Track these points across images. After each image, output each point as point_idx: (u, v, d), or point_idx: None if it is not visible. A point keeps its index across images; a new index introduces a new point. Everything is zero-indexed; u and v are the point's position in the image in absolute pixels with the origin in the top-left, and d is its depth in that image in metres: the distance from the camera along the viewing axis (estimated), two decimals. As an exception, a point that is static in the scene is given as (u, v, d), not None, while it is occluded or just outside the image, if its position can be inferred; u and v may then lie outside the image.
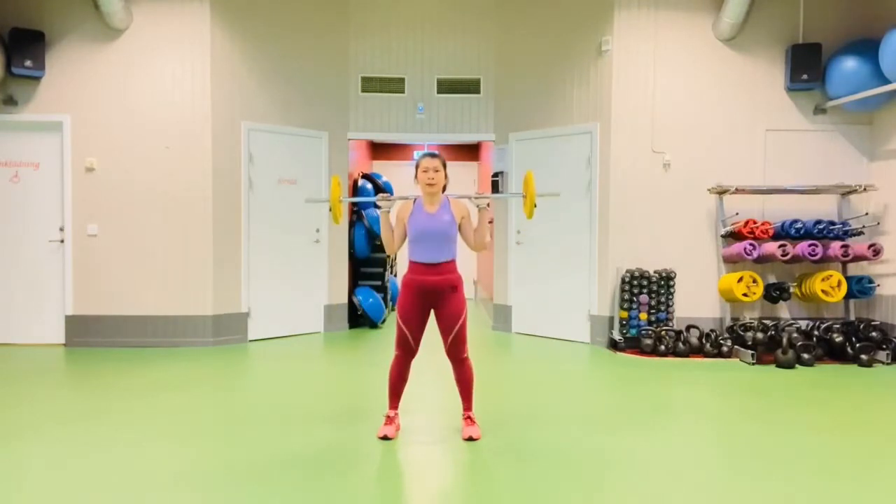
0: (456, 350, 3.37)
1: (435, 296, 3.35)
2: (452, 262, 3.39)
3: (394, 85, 6.96)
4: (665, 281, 5.86)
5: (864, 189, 5.79)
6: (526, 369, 5.31)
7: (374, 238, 7.43)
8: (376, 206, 3.46)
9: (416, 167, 3.40)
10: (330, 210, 3.47)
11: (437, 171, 3.34)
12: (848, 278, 5.67)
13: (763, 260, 5.66)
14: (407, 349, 3.38)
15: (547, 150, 6.58)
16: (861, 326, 5.55)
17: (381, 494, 2.74)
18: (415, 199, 3.44)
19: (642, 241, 6.06)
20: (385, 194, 3.48)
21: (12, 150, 6.00)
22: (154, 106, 5.95)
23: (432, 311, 3.41)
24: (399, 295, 3.43)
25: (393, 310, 8.05)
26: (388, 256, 7.80)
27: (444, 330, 3.36)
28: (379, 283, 7.67)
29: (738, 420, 3.82)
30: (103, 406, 4.02)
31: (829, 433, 3.56)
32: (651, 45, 6.02)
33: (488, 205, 3.47)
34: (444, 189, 3.44)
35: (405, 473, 3.02)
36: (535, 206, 3.43)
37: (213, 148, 6.01)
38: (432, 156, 3.38)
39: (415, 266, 3.36)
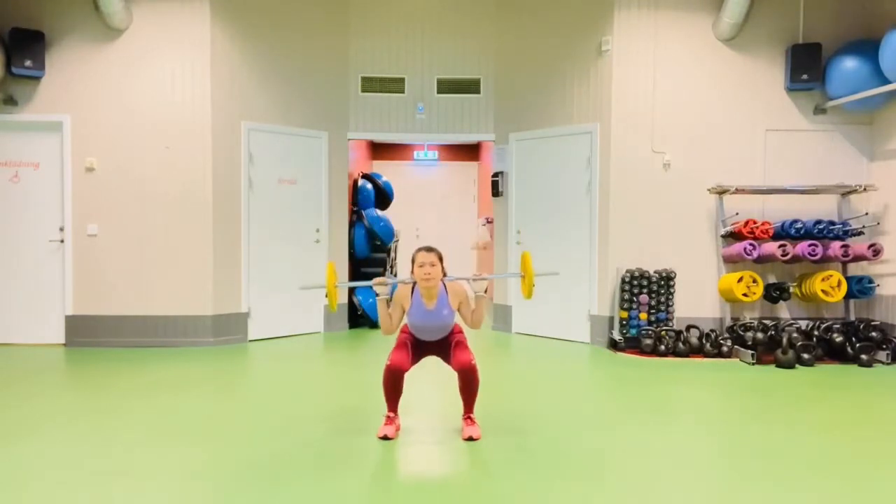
0: (463, 357, 3.36)
1: (436, 348, 3.54)
2: (452, 329, 3.53)
3: (394, 85, 6.96)
4: (665, 281, 5.86)
5: (864, 189, 5.79)
6: (526, 369, 5.31)
7: (373, 238, 7.43)
8: (374, 292, 3.48)
9: (412, 261, 3.38)
10: (326, 297, 3.46)
11: (433, 265, 3.33)
12: (848, 278, 5.67)
13: (763, 260, 5.66)
14: (402, 359, 3.39)
15: (547, 150, 6.58)
16: (861, 326, 5.54)
17: (381, 494, 2.74)
18: (413, 285, 3.43)
19: (642, 241, 6.06)
20: (381, 279, 3.45)
21: (12, 150, 6.00)
22: (154, 106, 5.95)
23: None
24: (401, 332, 3.57)
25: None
26: (389, 256, 7.79)
27: (447, 352, 3.48)
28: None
29: (738, 420, 3.82)
30: (103, 406, 4.02)
31: (829, 433, 3.56)
32: (651, 45, 6.02)
33: (486, 291, 3.49)
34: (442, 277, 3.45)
35: (405, 473, 3.02)
36: (534, 285, 3.42)
37: (213, 148, 6.01)
38: (428, 250, 3.37)
39: (415, 337, 3.52)
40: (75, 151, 5.93)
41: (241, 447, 3.27)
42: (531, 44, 6.67)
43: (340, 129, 6.94)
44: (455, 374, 3.43)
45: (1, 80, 5.72)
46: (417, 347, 3.52)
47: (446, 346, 3.50)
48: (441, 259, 3.40)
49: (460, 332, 3.57)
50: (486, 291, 3.49)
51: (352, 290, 7.29)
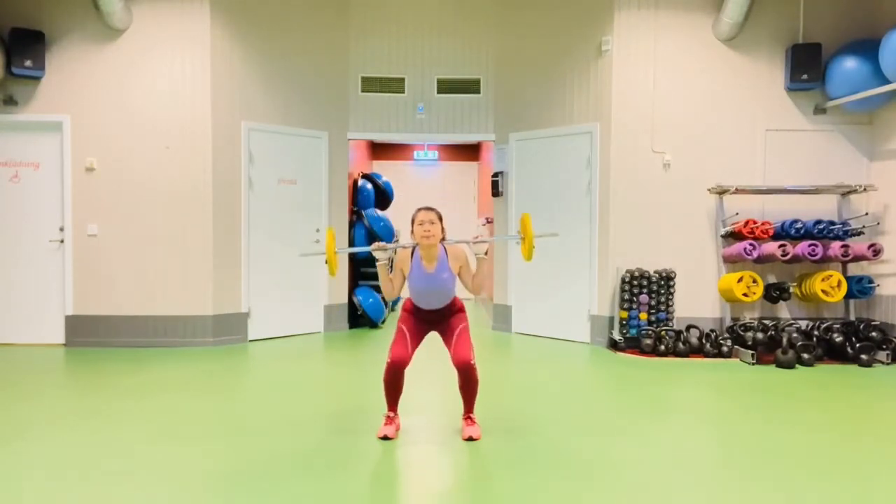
0: (462, 352, 3.32)
1: (437, 322, 3.48)
2: (453, 300, 3.49)
3: (394, 85, 6.96)
4: (665, 281, 5.86)
5: (864, 189, 5.79)
6: (526, 369, 5.31)
7: (373, 238, 7.42)
8: (374, 257, 3.45)
9: (412, 221, 3.38)
10: (326, 263, 3.45)
11: (432, 223, 3.33)
12: (848, 278, 5.67)
13: (763, 260, 5.66)
14: (402, 352, 3.36)
15: (547, 150, 6.58)
16: (861, 326, 5.54)
17: (381, 495, 2.74)
18: (413, 249, 3.43)
19: (642, 241, 6.06)
20: (381, 244, 3.41)
21: (12, 150, 6.01)
22: (154, 106, 5.95)
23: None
24: (401, 310, 3.52)
25: (393, 310, 8.05)
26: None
27: (448, 335, 3.42)
28: (379, 282, 7.66)
29: (738, 420, 3.82)
30: (103, 406, 4.02)
31: (829, 433, 3.56)
32: (651, 45, 6.02)
33: (486, 252, 3.45)
34: (442, 239, 3.42)
35: (405, 473, 3.02)
36: (534, 247, 3.42)
37: (213, 148, 6.01)
38: (428, 209, 3.38)
39: (416, 307, 3.48)
40: (75, 151, 5.94)
41: (240, 447, 3.27)
42: (531, 44, 6.67)
43: (340, 129, 6.94)
44: (455, 372, 3.42)
45: (1, 80, 5.73)
46: (417, 327, 3.45)
47: (446, 320, 3.45)
48: (441, 218, 3.40)
49: (462, 310, 3.50)
50: (486, 253, 3.46)
51: (351, 291, 7.29)
